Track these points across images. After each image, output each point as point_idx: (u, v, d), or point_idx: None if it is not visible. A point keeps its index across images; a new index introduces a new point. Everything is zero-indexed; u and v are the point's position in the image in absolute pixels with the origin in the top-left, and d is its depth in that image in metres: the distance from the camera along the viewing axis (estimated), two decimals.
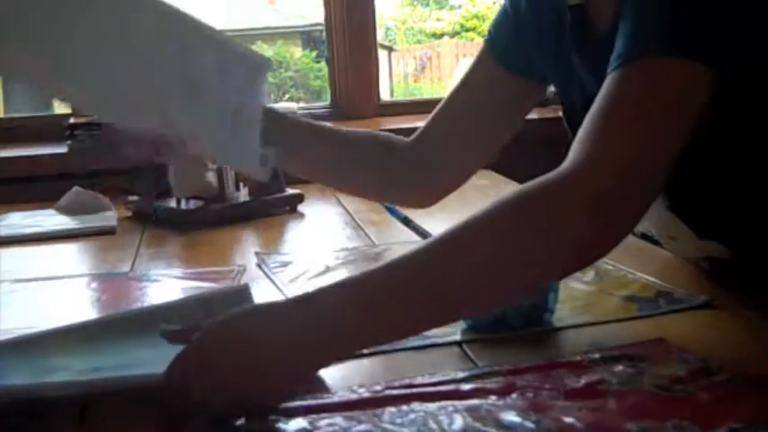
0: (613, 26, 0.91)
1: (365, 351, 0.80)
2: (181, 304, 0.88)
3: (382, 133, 1.17)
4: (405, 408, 0.68)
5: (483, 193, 1.69)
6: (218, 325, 0.70)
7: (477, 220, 0.73)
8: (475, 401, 0.68)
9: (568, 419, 0.65)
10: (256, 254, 1.23)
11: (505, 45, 1.12)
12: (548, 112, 2.17)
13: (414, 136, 1.16)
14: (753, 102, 0.84)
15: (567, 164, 0.76)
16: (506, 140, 1.17)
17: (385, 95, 2.53)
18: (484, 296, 0.73)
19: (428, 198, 1.15)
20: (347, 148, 1.10)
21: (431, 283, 0.71)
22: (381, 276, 0.73)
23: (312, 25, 3.28)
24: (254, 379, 0.68)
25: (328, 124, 1.12)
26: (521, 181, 1.64)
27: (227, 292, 0.93)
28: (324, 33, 2.36)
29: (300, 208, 1.57)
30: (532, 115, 2.27)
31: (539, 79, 1.13)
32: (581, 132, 0.78)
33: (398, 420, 0.66)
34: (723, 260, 0.94)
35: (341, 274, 1.11)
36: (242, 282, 1.10)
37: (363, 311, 0.71)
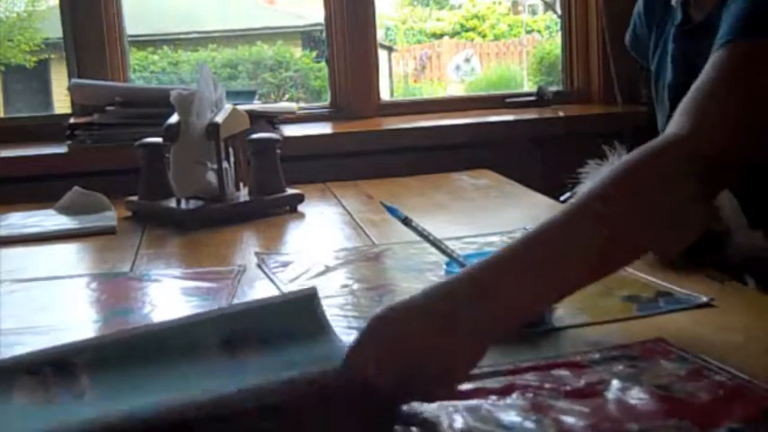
0: (707, 19, 1.05)
1: None
2: (238, 313, 0.80)
3: None
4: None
5: (483, 192, 1.69)
6: (387, 309, 0.70)
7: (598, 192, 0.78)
8: (475, 401, 0.68)
9: (568, 419, 0.65)
10: (256, 254, 1.23)
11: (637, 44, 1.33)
12: (547, 113, 2.18)
13: None
14: None
15: (669, 131, 0.83)
16: None
17: (385, 95, 2.52)
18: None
19: None
20: None
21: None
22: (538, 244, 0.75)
23: (312, 25, 3.27)
24: (440, 342, 0.67)
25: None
26: (519, 179, 1.64)
27: (294, 298, 0.83)
28: (324, 33, 2.36)
29: (300, 208, 1.57)
30: (531, 115, 2.28)
31: None
32: (684, 104, 0.86)
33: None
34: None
35: (341, 274, 1.12)
36: (242, 279, 1.10)
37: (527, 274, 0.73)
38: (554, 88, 2.37)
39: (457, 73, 3.55)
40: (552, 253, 0.74)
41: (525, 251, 0.74)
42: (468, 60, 3.57)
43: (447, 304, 0.70)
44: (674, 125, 0.84)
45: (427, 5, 4.03)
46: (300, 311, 0.77)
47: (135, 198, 1.58)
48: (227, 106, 1.55)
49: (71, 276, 1.19)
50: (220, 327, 0.76)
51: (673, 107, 1.09)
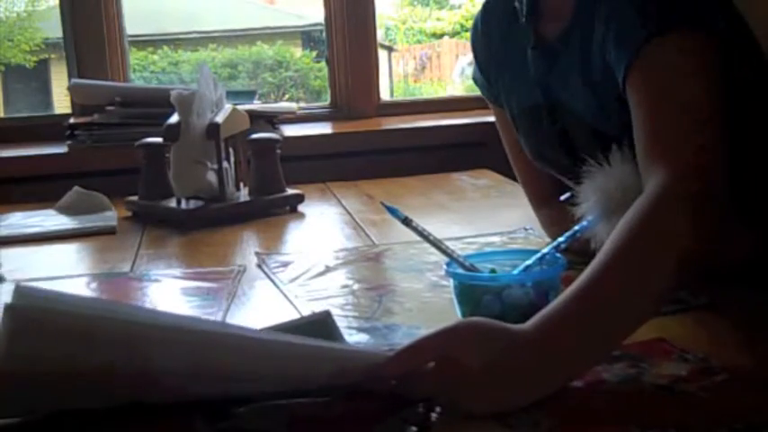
0: (563, 38, 0.99)
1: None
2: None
3: None
4: None
5: (483, 192, 1.69)
6: (471, 323, 0.70)
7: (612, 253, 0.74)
8: None
9: (569, 419, 0.65)
10: (256, 254, 1.23)
11: (486, 85, 1.20)
12: None
13: (540, 200, 1.20)
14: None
15: (650, 188, 0.78)
16: None
17: (385, 95, 2.52)
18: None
19: None
20: None
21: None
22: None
23: (312, 25, 3.28)
24: (495, 384, 0.66)
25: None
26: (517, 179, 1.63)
27: (310, 321, 0.84)
28: (324, 33, 2.36)
29: (300, 208, 1.57)
30: None
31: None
32: (640, 152, 0.84)
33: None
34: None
35: (341, 274, 1.12)
36: (242, 279, 1.10)
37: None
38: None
39: (461, 76, 3.55)
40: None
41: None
42: (472, 63, 3.58)
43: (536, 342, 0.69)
44: (647, 177, 0.81)
45: (427, 5, 4.03)
46: (317, 330, 0.77)
47: (135, 198, 1.58)
48: (227, 106, 1.55)
49: (71, 276, 1.19)
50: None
51: (534, 132, 1.09)
